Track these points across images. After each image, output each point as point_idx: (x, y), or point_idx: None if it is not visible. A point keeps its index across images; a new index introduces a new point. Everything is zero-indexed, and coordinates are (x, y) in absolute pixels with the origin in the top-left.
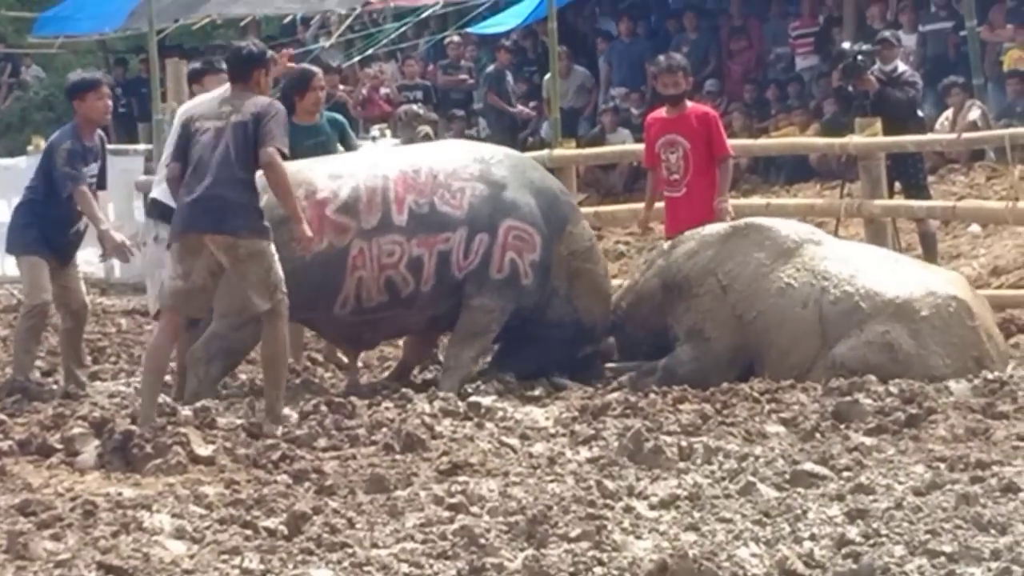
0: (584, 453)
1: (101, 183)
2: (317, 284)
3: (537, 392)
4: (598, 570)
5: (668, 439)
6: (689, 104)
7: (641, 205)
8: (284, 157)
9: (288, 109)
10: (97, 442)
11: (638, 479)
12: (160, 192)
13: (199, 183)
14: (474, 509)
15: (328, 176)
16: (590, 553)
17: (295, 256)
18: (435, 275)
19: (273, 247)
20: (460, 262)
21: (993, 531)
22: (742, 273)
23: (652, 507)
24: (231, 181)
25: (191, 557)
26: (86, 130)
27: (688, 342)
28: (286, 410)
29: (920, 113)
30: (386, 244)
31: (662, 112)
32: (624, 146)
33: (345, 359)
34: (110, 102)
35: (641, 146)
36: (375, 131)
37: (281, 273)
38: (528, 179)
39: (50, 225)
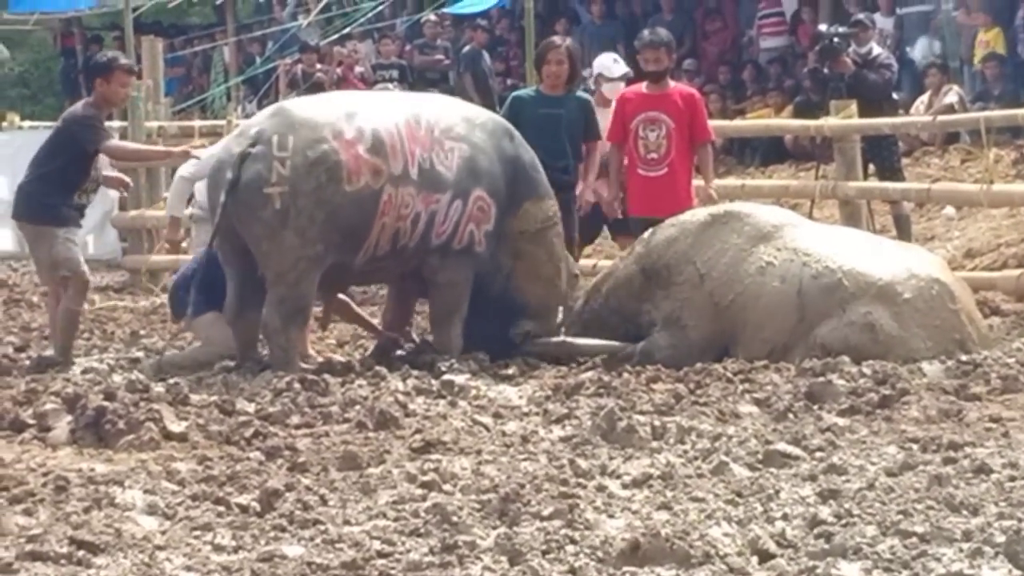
0: (557, 432)
1: None
2: (353, 226)
3: (511, 371)
4: (570, 548)
5: (641, 418)
6: (671, 83)
7: None
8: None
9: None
10: (70, 418)
11: (611, 458)
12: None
13: None
14: (446, 487)
15: (345, 116)
16: (562, 531)
17: (336, 196)
18: (421, 234)
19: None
20: (439, 227)
21: (965, 512)
22: (720, 261)
23: (624, 486)
24: None
25: (163, 533)
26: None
27: (665, 329)
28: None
29: (895, 96)
30: (406, 196)
31: (640, 88)
32: None
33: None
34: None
35: None
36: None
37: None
38: (501, 147)
39: None
